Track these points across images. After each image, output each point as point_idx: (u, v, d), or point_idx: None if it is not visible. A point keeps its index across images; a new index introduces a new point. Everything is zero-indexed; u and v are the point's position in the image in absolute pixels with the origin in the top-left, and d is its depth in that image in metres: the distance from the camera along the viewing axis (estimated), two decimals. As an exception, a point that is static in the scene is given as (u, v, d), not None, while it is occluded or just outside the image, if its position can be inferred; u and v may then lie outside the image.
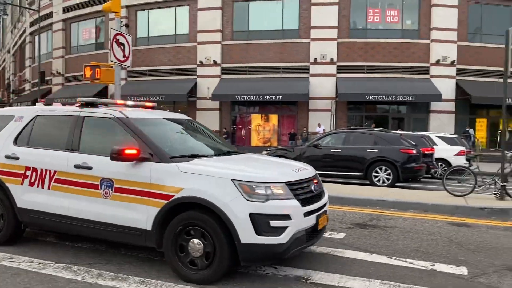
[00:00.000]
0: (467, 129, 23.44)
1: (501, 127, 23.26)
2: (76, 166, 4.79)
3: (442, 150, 15.29)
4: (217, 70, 25.99)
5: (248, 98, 24.25)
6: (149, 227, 4.36)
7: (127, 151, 4.35)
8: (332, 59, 24.51)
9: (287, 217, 4.11)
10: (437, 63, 24.12)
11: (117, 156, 4.33)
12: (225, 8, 25.92)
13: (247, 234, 3.99)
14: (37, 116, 5.44)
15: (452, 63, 24.10)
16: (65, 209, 4.82)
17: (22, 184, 5.12)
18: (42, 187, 5.01)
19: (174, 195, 4.24)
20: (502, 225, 7.45)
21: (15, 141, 5.38)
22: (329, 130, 21.69)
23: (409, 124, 24.80)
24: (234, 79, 25.44)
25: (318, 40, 24.61)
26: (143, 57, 27.08)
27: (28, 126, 5.41)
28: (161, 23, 27.74)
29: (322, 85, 24.53)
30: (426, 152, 13.26)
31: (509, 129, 24.32)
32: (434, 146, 14.87)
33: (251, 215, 4.01)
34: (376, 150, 12.06)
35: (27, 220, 5.18)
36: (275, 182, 4.24)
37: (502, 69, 9.83)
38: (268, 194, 4.11)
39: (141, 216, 4.39)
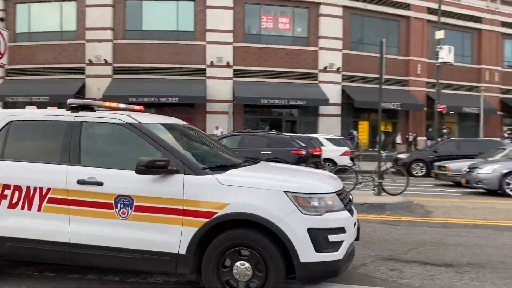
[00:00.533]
0: (351, 131, 25.44)
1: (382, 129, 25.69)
2: (80, 182, 3.97)
3: (329, 151, 16.43)
4: (108, 70, 24.74)
5: (143, 99, 23.44)
6: (182, 250, 3.76)
7: (157, 163, 3.72)
8: (228, 62, 24.85)
9: (342, 230, 3.82)
10: (325, 69, 25.80)
11: (145, 169, 3.69)
12: (116, 6, 24.80)
13: (306, 252, 3.62)
14: (11, 122, 4.39)
15: (337, 70, 25.97)
16: (64, 235, 3.99)
17: None
18: (29, 209, 4.08)
19: (217, 212, 3.69)
20: (379, 219, 8.20)
21: None
22: (227, 132, 21.95)
23: (300, 126, 26.16)
24: (127, 80, 24.45)
25: (214, 43, 24.77)
26: (24, 54, 24.72)
27: (0, 135, 4.37)
28: (45, 18, 25.61)
29: (219, 88, 24.75)
30: (314, 153, 14.11)
31: (385, 130, 26.95)
32: (322, 147, 15.92)
33: (309, 231, 3.64)
34: (269, 152, 12.48)
35: (5, 251, 4.16)
36: (328, 192, 3.91)
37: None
38: (323, 206, 3.77)
39: (172, 238, 3.78)
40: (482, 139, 21.10)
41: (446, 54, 23.01)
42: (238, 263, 3.72)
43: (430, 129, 27.95)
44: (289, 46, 25.65)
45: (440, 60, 23.11)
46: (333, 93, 25.45)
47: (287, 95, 24.31)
